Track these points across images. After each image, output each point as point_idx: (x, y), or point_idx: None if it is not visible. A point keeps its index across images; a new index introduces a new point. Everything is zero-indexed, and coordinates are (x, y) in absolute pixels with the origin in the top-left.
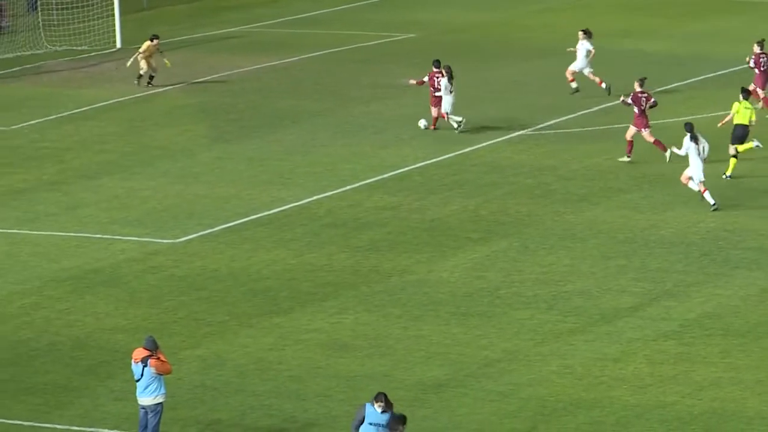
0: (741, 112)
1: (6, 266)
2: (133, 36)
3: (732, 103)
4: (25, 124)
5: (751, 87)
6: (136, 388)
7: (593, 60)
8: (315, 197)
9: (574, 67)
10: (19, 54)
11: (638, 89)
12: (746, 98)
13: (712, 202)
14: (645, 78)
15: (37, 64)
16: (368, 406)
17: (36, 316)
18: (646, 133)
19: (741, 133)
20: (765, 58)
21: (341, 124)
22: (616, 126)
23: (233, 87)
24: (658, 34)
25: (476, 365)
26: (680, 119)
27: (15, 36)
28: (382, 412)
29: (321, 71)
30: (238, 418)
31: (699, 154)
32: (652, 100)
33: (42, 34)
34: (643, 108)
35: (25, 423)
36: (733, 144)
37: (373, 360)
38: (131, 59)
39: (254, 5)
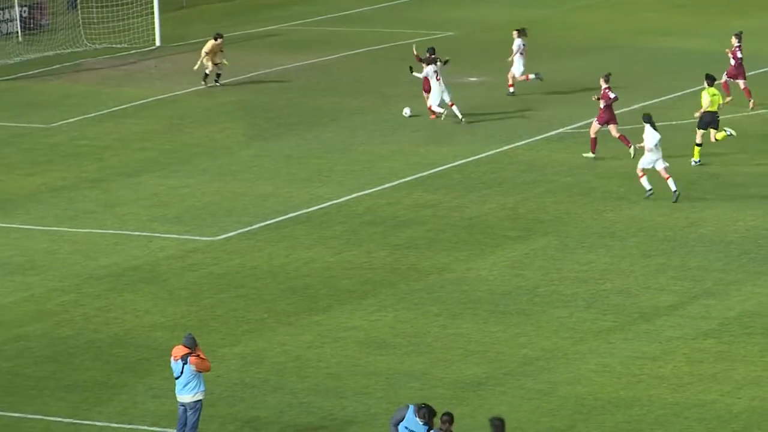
0: (711, 100)
1: (45, 263)
2: (172, 34)
3: (701, 92)
4: (64, 121)
5: (723, 79)
6: (175, 385)
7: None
8: (354, 195)
9: (515, 71)
10: (58, 52)
11: (605, 85)
12: (711, 84)
13: (648, 187)
14: (610, 74)
15: (76, 62)
16: (411, 409)
17: (75, 314)
18: (596, 125)
19: (710, 119)
20: (741, 51)
21: (380, 121)
22: (657, 124)
23: (272, 85)
24: (697, 32)
25: (515, 363)
26: (720, 118)
27: (55, 34)
28: (424, 424)
29: (360, 69)
30: (276, 416)
31: (654, 145)
32: (614, 95)
33: (81, 32)
34: (609, 104)
35: (65, 420)
36: (699, 129)
37: (411, 358)
38: (199, 62)
39: (293, 3)
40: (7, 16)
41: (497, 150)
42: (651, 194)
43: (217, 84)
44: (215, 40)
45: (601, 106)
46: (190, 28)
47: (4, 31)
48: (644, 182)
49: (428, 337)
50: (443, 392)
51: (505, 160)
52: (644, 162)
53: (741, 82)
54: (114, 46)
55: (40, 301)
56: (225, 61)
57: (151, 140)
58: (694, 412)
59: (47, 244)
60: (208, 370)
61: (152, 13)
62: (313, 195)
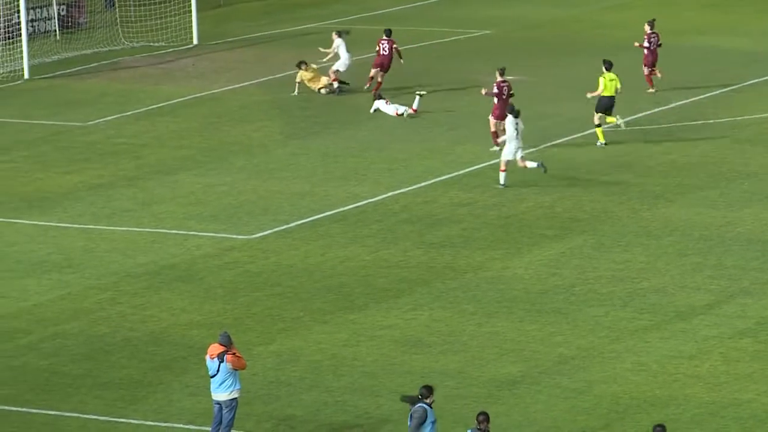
0: (607, 85)
1: (82, 261)
2: (209, 32)
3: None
4: (101, 119)
5: (645, 72)
6: (210, 383)
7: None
8: (390, 193)
9: (338, 66)
10: (96, 50)
11: (499, 79)
12: (609, 69)
13: (502, 182)
14: (504, 67)
15: (114, 60)
16: (425, 406)
17: (112, 312)
18: (492, 120)
19: (607, 104)
20: (655, 38)
21: (417, 120)
22: (693, 123)
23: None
24: (735, 31)
25: (550, 362)
26: (758, 116)
27: (93, 32)
28: (430, 404)
29: (396, 68)
30: (312, 414)
31: (516, 135)
32: (511, 90)
33: (119, 31)
34: (504, 97)
35: (101, 417)
36: (597, 112)
37: (447, 356)
38: (296, 89)
39: (330, 2)
40: (44, 14)
41: (534, 149)
42: (504, 186)
43: (347, 84)
44: (300, 68)
45: (495, 101)
46: (226, 26)
47: (42, 30)
48: (502, 177)
49: (464, 335)
50: (478, 391)
51: (541, 159)
52: (507, 153)
53: (646, 69)
54: (151, 44)
55: (77, 299)
56: (312, 67)
57: (188, 138)
58: (730, 411)
59: (84, 242)
60: (243, 368)
61: (190, 11)
62: (350, 193)
